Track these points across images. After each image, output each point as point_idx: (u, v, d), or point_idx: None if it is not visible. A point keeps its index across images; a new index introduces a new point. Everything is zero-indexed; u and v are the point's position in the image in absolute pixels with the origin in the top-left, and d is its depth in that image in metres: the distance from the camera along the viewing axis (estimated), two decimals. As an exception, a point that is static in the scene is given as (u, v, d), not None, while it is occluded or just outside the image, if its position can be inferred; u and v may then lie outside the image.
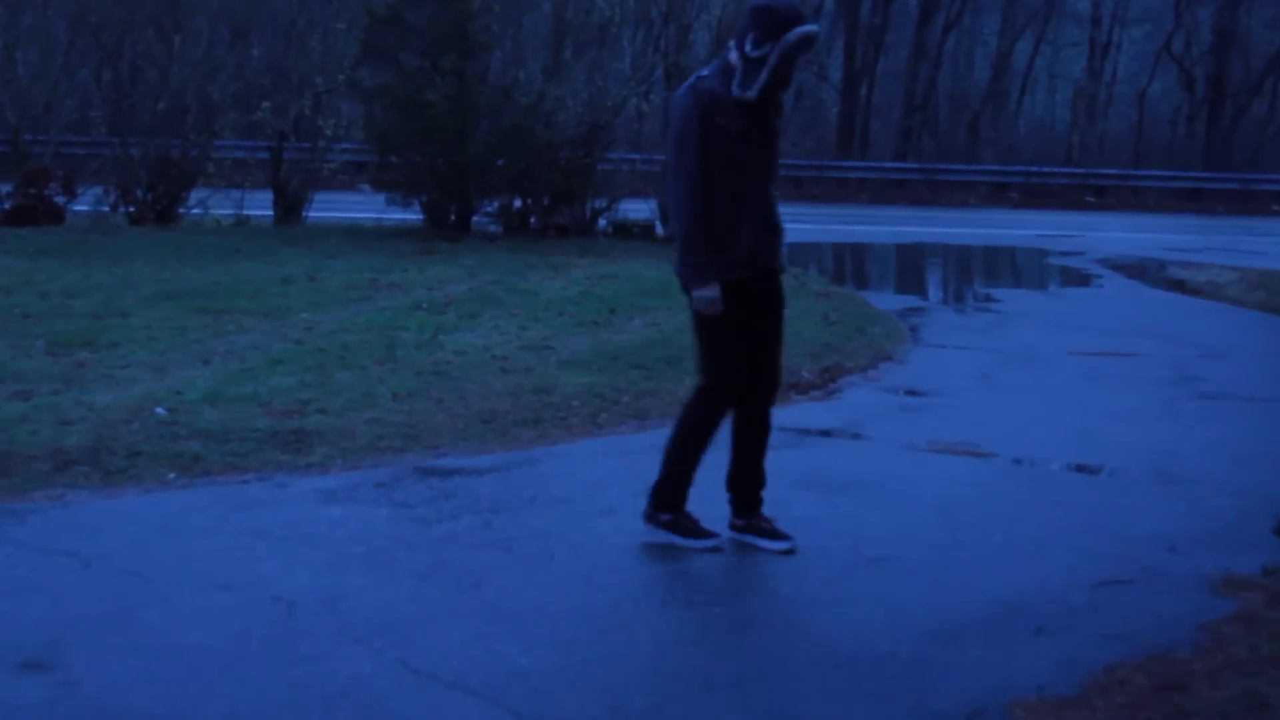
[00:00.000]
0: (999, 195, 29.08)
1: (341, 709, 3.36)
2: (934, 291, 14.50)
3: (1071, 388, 8.21)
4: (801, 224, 20.61)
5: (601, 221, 16.50)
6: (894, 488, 5.60)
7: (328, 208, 16.92)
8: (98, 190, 15.89)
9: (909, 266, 17.21)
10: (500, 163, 15.45)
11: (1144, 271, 16.23)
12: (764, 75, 4.39)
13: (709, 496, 4.78)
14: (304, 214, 16.53)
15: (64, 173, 15.75)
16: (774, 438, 6.42)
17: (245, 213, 16.01)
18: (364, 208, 16.74)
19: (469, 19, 15.13)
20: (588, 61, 16.95)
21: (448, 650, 3.72)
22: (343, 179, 21.55)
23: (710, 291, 4.48)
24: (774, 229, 4.62)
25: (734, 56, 4.42)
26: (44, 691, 3.40)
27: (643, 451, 6.08)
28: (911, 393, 7.89)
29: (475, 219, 15.99)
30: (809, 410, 7.27)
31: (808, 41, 4.42)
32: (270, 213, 16.39)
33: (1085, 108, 33.25)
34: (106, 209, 15.76)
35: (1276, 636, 3.97)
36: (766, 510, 4.80)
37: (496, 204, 16.02)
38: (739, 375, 4.60)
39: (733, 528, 4.76)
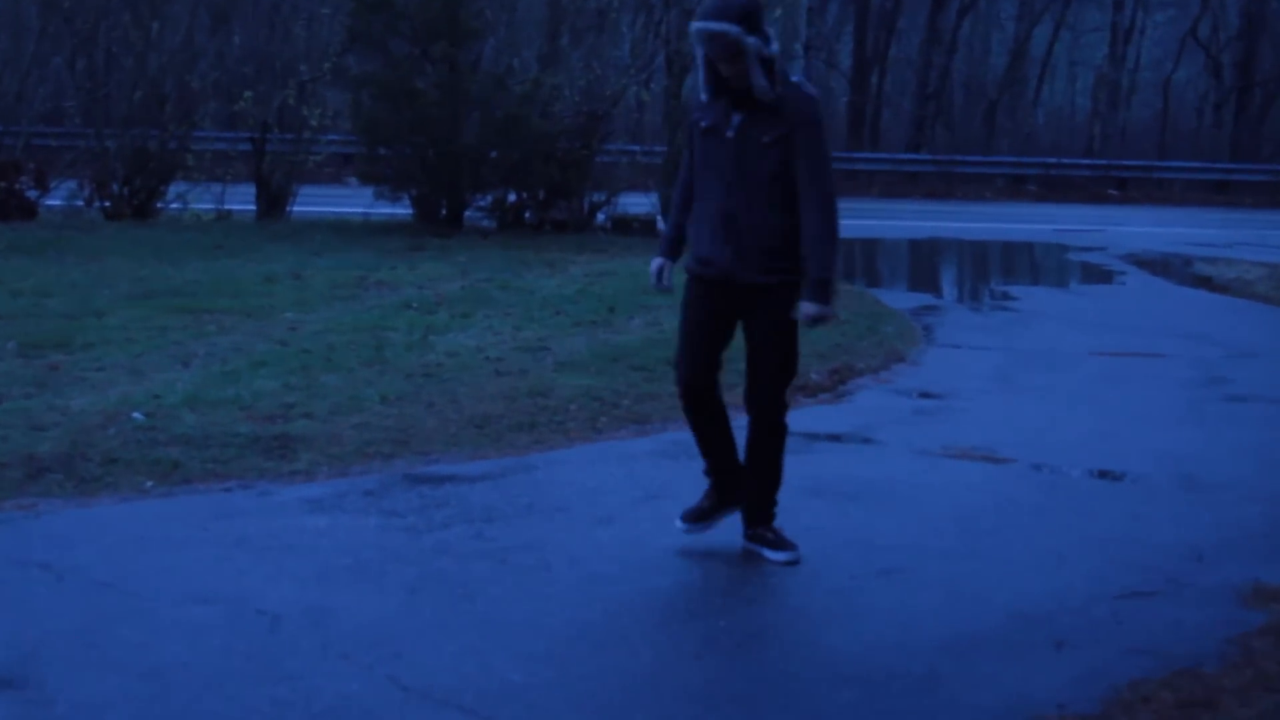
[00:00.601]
0: (1017, 188, 29.08)
1: (327, 728, 3.36)
2: (948, 289, 14.50)
3: (1093, 390, 8.21)
4: (810, 218, 20.58)
5: (600, 216, 16.50)
6: (907, 495, 5.60)
7: (313, 202, 16.93)
8: (72, 184, 15.90)
9: (922, 263, 17.22)
10: (494, 155, 15.46)
11: (1169, 268, 16.23)
12: (699, 72, 4.60)
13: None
14: (288, 209, 16.54)
15: (36, 165, 15.76)
16: (781, 443, 6.46)
17: (226, 207, 16.02)
18: (351, 202, 16.75)
19: (461, 4, 15.14)
20: (585, 48, 16.96)
21: (439, 666, 3.72)
22: (329, 172, 21.56)
23: (652, 264, 4.89)
24: (729, 238, 4.56)
25: None
26: (15, 710, 3.40)
27: (644, 457, 6.09)
28: (925, 395, 7.89)
29: (467, 214, 16.00)
30: (817, 414, 7.27)
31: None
32: (252, 207, 16.40)
33: (1107, 96, 33.26)
34: (81, 203, 15.77)
35: (1308, 650, 3.97)
36: (776, 518, 4.80)
37: (490, 198, 16.03)
38: (680, 365, 4.85)
39: (744, 536, 4.78)
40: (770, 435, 4.75)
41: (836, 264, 4.59)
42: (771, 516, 4.75)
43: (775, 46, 4.46)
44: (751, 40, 4.38)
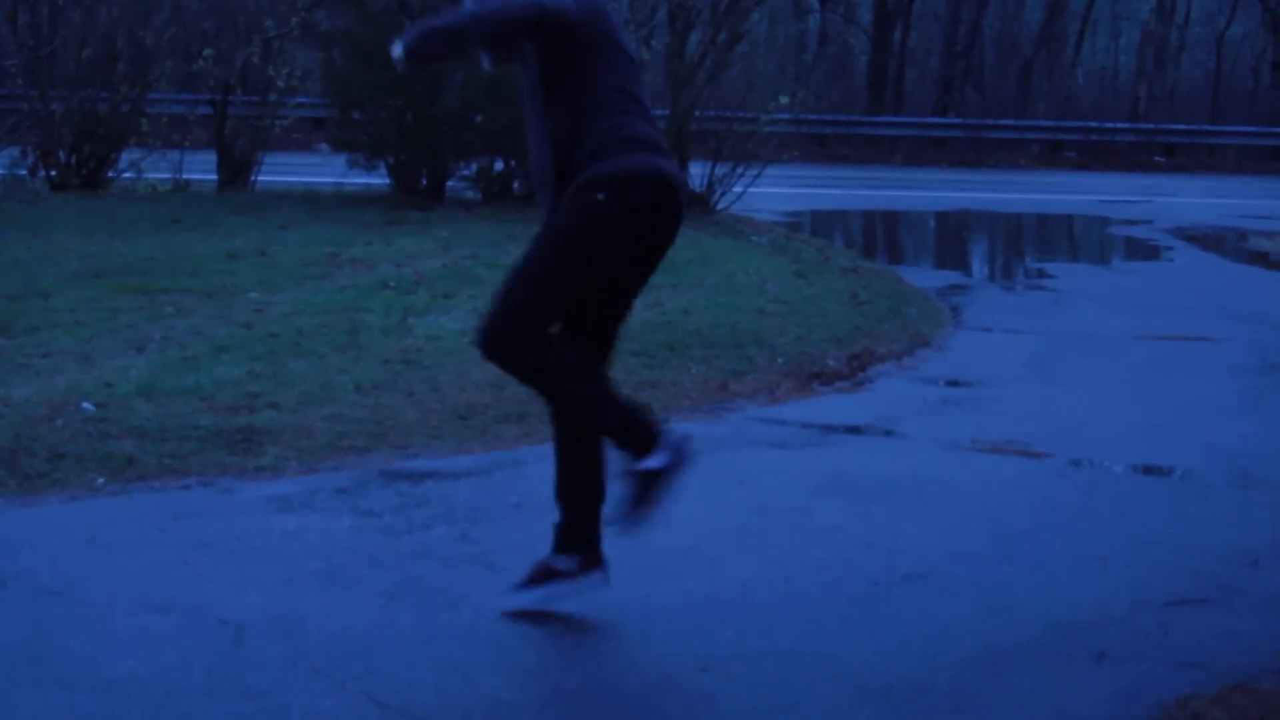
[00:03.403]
0: (1054, 155, 29.08)
1: (297, 749, 3.37)
2: (979, 266, 14.50)
3: (1137, 377, 8.22)
4: (827, 188, 20.64)
5: (595, 186, 16.47)
6: (933, 493, 5.60)
7: (280, 171, 16.92)
8: (13, 151, 15.87)
9: (950, 237, 17.21)
10: (478, 119, 15.43)
11: (1221, 243, 16.23)
12: None
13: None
14: (252, 178, 16.52)
15: (-27, 131, 15.74)
16: (796, 435, 6.49)
17: (184, 177, 16.00)
18: (322, 171, 16.74)
19: (442, -48, 15.11)
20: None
21: (420, 681, 3.72)
22: (297, 138, 21.56)
23: None
24: None
25: None
26: (-46, 730, 3.41)
27: (643, 452, 6.08)
28: (953, 383, 7.90)
29: (450, 184, 15.98)
30: (835, 403, 7.27)
31: None
32: (213, 177, 16.38)
33: (1154, 54, 33.22)
34: (24, 173, 15.74)
35: (1374, 664, 3.97)
36: (789, 518, 4.80)
37: (474, 166, 16.01)
38: None
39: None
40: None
41: (430, 34, 3.77)
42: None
43: None
44: None
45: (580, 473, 4.16)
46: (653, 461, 3.95)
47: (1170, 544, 5.06)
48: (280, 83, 16.40)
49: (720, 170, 15.64)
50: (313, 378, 7.01)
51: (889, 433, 6.65)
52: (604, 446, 4.11)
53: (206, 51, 16.11)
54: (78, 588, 4.28)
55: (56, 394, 6.45)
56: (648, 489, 3.98)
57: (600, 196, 3.88)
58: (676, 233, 4.04)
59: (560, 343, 4.01)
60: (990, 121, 29.53)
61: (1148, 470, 6.17)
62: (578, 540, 4.18)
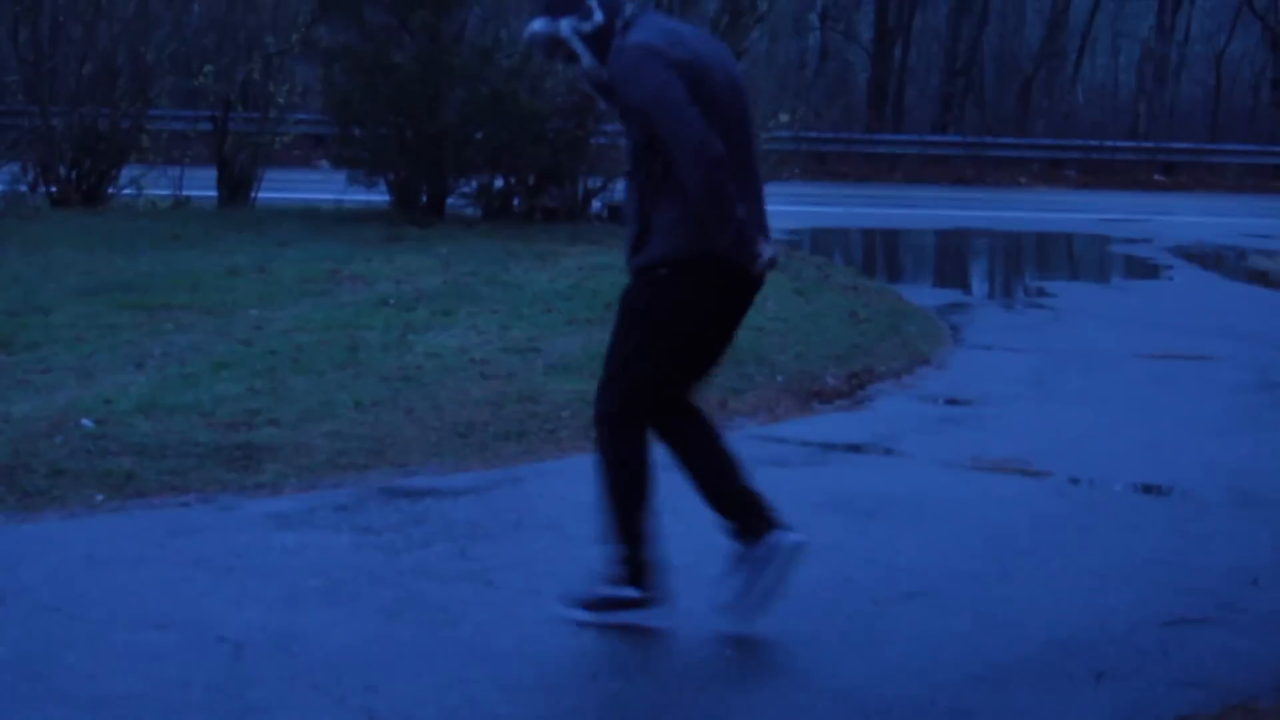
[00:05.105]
0: (1054, 173, 29.09)
1: (296, 766, 3.37)
2: (978, 285, 14.51)
3: (1137, 395, 8.22)
4: (826, 206, 20.65)
5: (595, 204, 16.49)
6: (933, 511, 5.61)
7: (280, 187, 16.94)
8: (14, 167, 15.90)
9: (950, 255, 17.22)
10: (479, 135, 15.45)
11: (1221, 261, 16.24)
12: None
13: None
14: (252, 195, 16.54)
15: (-26, 147, 15.75)
16: (795, 453, 6.49)
17: (184, 193, 16.02)
18: (322, 187, 16.76)
19: (443, -31, 15.14)
20: (580, 19, 16.93)
21: (418, 698, 3.72)
22: (297, 154, 21.58)
23: None
24: (625, 222, 4.38)
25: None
26: (-48, 746, 3.41)
27: (643, 469, 6.08)
28: (952, 401, 7.90)
29: (450, 200, 16.00)
30: (835, 421, 7.27)
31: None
32: (213, 193, 16.40)
33: (1154, 71, 33.25)
34: (24, 188, 15.76)
35: (1374, 683, 3.97)
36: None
37: (475, 183, 16.03)
38: None
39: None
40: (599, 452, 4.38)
41: (728, 229, 4.04)
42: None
43: (599, 16, 4.15)
44: (564, 23, 4.17)
45: (724, 481, 4.43)
46: (623, 590, 4.28)
47: (1170, 562, 5.06)
48: (281, 99, 16.44)
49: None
50: (312, 395, 7.01)
51: (888, 451, 6.66)
52: (728, 452, 4.43)
53: (207, 68, 16.14)
54: (76, 604, 4.28)
55: (56, 410, 6.46)
56: (606, 606, 4.27)
57: (663, 273, 4.17)
58: (749, 300, 4.38)
59: (645, 457, 4.35)
60: (990, 139, 29.53)
61: (1147, 489, 6.17)
62: (764, 522, 4.33)
